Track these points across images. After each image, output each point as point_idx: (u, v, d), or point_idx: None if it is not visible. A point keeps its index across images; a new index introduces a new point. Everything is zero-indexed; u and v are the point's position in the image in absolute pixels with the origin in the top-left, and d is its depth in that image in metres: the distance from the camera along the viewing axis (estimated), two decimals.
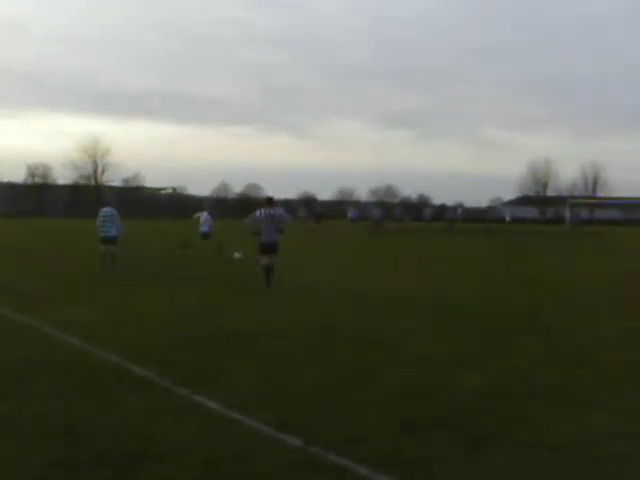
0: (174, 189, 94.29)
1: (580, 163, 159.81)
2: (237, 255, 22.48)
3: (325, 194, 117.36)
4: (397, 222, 67.28)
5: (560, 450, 5.39)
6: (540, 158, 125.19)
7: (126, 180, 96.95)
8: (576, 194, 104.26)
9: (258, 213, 15.95)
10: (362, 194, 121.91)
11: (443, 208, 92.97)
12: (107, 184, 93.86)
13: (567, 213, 61.08)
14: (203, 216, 28.20)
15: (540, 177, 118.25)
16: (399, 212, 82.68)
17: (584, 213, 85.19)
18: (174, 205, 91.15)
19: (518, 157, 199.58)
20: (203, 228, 27.67)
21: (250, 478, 4.82)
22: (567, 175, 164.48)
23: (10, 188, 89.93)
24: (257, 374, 7.64)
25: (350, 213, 56.21)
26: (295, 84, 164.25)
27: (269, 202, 16.34)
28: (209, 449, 5.28)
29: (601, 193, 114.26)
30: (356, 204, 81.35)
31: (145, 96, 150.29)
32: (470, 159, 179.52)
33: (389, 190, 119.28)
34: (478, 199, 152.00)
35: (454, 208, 77.79)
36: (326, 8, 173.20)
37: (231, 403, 6.40)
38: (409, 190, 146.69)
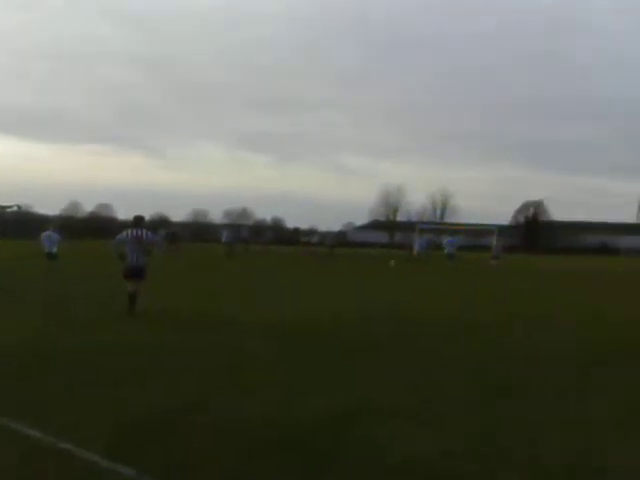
0: (19, 207, 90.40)
1: (430, 190, 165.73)
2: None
3: (179, 215, 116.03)
4: (247, 244, 66.62)
5: (396, 470, 5.47)
6: (392, 184, 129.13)
7: None
8: (425, 220, 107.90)
9: (124, 234, 14.96)
10: (216, 216, 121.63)
11: (297, 232, 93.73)
12: None
13: (416, 238, 63.05)
14: (46, 234, 26.03)
15: (391, 203, 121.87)
16: (248, 234, 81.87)
17: (434, 238, 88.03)
18: (20, 224, 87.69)
19: (372, 183, 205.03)
20: (49, 248, 25.70)
21: None
22: (417, 201, 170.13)
23: None
24: (90, 399, 7.34)
25: (224, 237, 54.37)
26: (153, 104, 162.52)
27: (138, 222, 15.18)
28: None
29: (450, 219, 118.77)
30: (231, 226, 79.55)
31: None
32: (325, 184, 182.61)
33: (244, 213, 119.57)
34: (332, 223, 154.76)
35: (318, 233, 78.04)
36: (184, 27, 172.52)
37: (60, 432, 6.11)
38: (264, 213, 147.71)
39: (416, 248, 54.63)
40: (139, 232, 14.90)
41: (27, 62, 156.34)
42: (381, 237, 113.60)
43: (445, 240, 44.51)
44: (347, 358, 10.26)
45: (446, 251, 43.36)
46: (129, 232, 14.93)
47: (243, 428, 6.47)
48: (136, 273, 14.74)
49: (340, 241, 64.08)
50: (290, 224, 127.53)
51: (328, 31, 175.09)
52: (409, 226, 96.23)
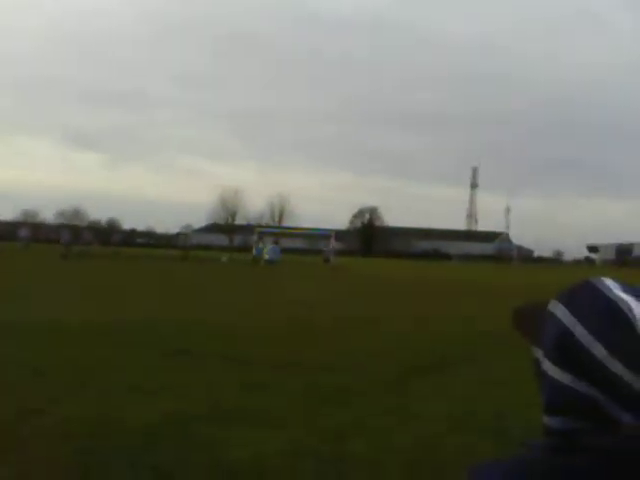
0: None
1: (268, 194, 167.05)
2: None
3: (6, 214, 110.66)
4: (86, 246, 64.78)
5: (236, 473, 5.39)
6: (230, 188, 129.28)
7: None
8: (263, 223, 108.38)
9: None
10: (48, 216, 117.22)
11: (133, 233, 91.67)
12: None
13: (254, 241, 63.31)
14: None
15: (230, 206, 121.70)
16: (87, 235, 79.89)
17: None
18: None
19: (209, 185, 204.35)
20: None
21: None
22: (256, 205, 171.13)
23: None
24: None
25: (62, 238, 51.12)
26: None
27: None
28: None
29: (287, 223, 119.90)
30: (71, 227, 75.93)
31: None
32: (162, 185, 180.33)
33: (77, 213, 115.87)
34: (168, 225, 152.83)
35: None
36: (16, 17, 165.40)
37: None
38: (98, 214, 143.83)
39: (255, 252, 54.70)
40: None
41: None
42: (221, 240, 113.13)
43: (267, 247, 47.05)
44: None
45: (267, 257, 45.71)
46: None
47: (81, 431, 6.18)
48: None
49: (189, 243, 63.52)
50: (126, 225, 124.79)
51: (171, 30, 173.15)
52: (248, 229, 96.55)
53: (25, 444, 5.84)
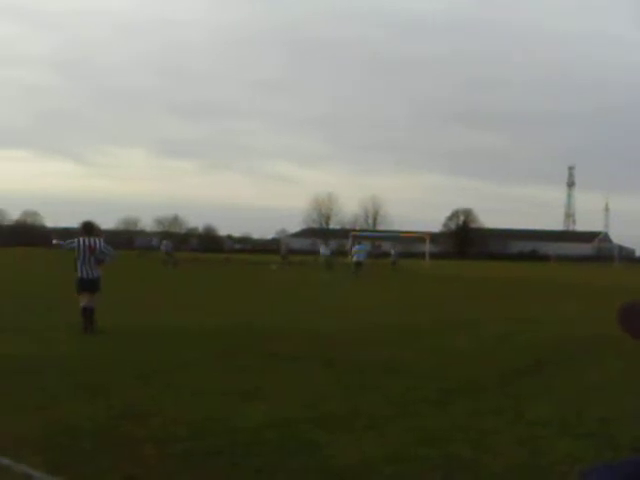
0: None
1: (358, 198, 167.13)
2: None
3: (109, 223, 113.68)
4: (190, 253, 65.83)
5: (342, 477, 5.42)
6: (324, 192, 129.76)
7: None
8: (357, 227, 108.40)
9: (76, 242, 13.43)
10: (147, 224, 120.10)
11: (231, 239, 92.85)
12: None
13: (349, 245, 63.48)
14: None
15: (323, 211, 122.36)
16: (193, 242, 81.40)
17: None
18: None
19: (302, 191, 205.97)
20: None
21: None
22: (350, 209, 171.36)
23: None
24: (25, 413, 7.07)
25: (163, 245, 51.79)
26: (74, 109, 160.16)
27: (89, 230, 13.77)
28: None
29: (382, 226, 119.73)
30: (170, 235, 77.64)
31: None
32: (256, 191, 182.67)
33: (175, 221, 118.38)
34: (264, 231, 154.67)
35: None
36: (105, 31, 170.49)
37: None
38: (196, 221, 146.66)
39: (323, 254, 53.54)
40: (92, 241, 13.53)
41: None
42: (316, 245, 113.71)
43: (354, 247, 43.11)
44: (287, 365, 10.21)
45: (354, 259, 40.72)
46: (80, 241, 13.47)
47: (186, 432, 6.37)
48: (92, 286, 13.37)
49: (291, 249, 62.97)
50: (222, 232, 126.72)
51: (250, 38, 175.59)
52: (343, 234, 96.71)
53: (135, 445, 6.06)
